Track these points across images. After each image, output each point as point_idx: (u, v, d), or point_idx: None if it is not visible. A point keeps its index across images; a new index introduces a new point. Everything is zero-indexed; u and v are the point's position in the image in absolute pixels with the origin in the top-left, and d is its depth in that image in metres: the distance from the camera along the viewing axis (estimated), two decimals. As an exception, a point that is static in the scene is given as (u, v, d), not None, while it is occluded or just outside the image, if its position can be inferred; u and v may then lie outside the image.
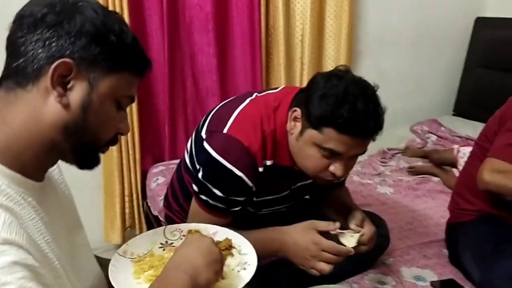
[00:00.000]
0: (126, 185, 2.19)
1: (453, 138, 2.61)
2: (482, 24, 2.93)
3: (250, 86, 2.41)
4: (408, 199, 1.90)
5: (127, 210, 2.22)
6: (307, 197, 1.43)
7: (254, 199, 1.21)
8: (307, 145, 1.05)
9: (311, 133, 1.03)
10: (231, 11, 2.30)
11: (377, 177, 2.10)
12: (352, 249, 1.04)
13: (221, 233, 0.97)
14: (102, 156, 0.78)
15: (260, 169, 1.13)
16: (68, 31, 0.67)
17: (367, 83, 1.05)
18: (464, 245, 1.32)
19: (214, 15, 2.23)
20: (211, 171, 1.14)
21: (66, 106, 0.69)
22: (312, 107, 1.02)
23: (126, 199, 2.21)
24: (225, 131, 1.13)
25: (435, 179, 2.05)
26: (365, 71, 2.79)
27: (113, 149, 2.09)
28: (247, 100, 1.19)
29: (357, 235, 1.08)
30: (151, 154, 2.33)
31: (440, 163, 2.13)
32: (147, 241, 0.96)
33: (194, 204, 1.20)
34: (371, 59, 2.78)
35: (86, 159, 0.77)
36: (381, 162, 2.27)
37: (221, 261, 0.79)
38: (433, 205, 1.84)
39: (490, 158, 1.23)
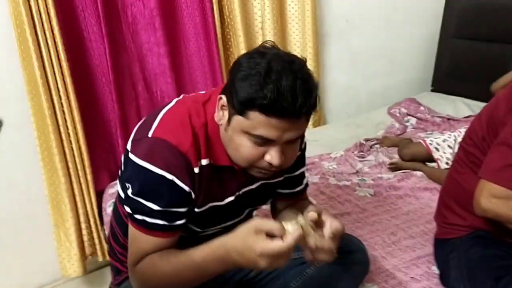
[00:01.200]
0: (80, 210, 1.96)
1: (433, 120, 2.43)
2: (455, -8, 2.72)
3: (210, 84, 2.19)
4: (390, 202, 1.73)
5: (85, 238, 2.00)
6: (256, 213, 1.24)
7: (196, 209, 1.03)
8: (236, 134, 0.93)
9: (237, 119, 0.91)
10: (178, 4, 2.05)
11: (355, 176, 1.92)
12: (297, 232, 0.83)
13: None
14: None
15: (196, 170, 0.98)
16: None
17: (293, 57, 0.92)
18: (456, 270, 1.16)
19: (160, 11, 1.98)
20: (140, 183, 0.98)
21: None
22: (235, 90, 0.90)
23: (83, 225, 1.98)
24: (149, 135, 0.99)
25: (418, 173, 1.88)
26: (335, 52, 2.58)
27: (59, 172, 1.86)
28: (173, 102, 1.07)
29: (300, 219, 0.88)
30: (106, 171, 2.10)
31: (410, 159, 1.95)
32: None
33: (131, 229, 1.02)
34: (340, 39, 2.57)
35: None
36: (359, 156, 2.08)
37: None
38: (418, 207, 1.67)
39: (488, 183, 1.07)
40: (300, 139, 1.04)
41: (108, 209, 1.85)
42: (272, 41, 0.97)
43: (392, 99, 2.74)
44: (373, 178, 1.89)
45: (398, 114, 2.50)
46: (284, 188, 1.20)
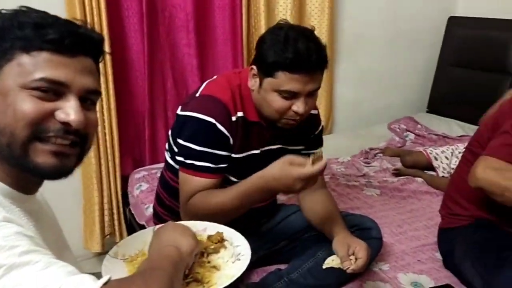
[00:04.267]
0: (105, 191, 2.11)
1: (430, 136, 2.66)
2: (454, 23, 2.99)
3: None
4: (395, 201, 1.92)
5: (106, 218, 2.14)
6: None
7: (233, 155, 1.24)
8: (268, 93, 1.17)
9: (268, 81, 1.16)
10: (212, 11, 2.25)
11: (362, 178, 2.12)
12: (323, 161, 1.02)
13: (211, 228, 1.00)
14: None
15: (233, 118, 1.22)
16: None
17: (304, 27, 1.19)
18: (462, 252, 1.34)
19: (195, 15, 2.17)
20: (188, 129, 1.21)
21: None
22: (264, 58, 1.15)
23: (105, 206, 2.12)
24: (197, 95, 1.26)
25: (418, 179, 2.09)
26: (345, 70, 2.80)
27: (92, 153, 2.00)
28: (213, 77, 1.33)
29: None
30: (131, 158, 2.25)
31: (411, 165, 2.17)
32: (137, 242, 0.95)
33: (181, 175, 1.23)
34: (350, 58, 2.79)
35: None
36: (364, 162, 2.29)
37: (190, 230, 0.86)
38: (420, 207, 1.87)
39: (485, 156, 1.23)
40: (318, 120, 1.39)
41: (135, 191, 2.00)
42: (285, 19, 1.27)
43: (392, 116, 2.96)
44: (379, 180, 2.09)
45: (398, 130, 2.72)
46: None
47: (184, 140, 1.21)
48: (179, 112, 1.28)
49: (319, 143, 1.44)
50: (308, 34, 1.14)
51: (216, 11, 2.24)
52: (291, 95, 1.15)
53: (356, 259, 1.19)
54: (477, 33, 2.85)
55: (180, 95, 2.28)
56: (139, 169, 2.15)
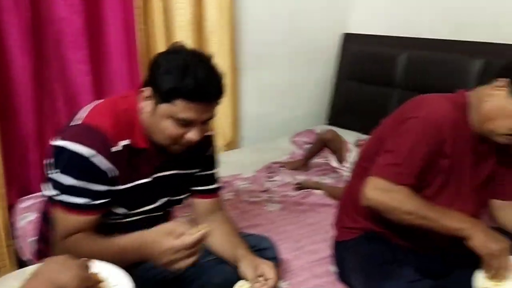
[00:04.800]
0: (-12, 223, 1.90)
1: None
2: (348, 40, 3.18)
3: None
4: (295, 215, 1.96)
5: (-6, 251, 1.92)
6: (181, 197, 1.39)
7: (118, 187, 1.17)
8: (162, 119, 1.11)
9: (163, 107, 1.10)
10: (104, 26, 2.15)
11: (265, 193, 2.14)
12: (202, 232, 0.99)
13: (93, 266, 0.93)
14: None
15: (114, 149, 1.13)
16: None
17: (202, 53, 1.16)
18: (351, 264, 1.40)
19: (86, 30, 2.06)
20: (60, 161, 1.11)
21: None
22: (159, 83, 1.09)
23: (-9, 239, 1.91)
24: (73, 123, 1.14)
25: (317, 192, 2.16)
26: (249, 86, 2.83)
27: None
28: (98, 101, 1.23)
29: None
30: (17, 186, 2.06)
31: (327, 140, 2.36)
32: (14, 281, 0.87)
33: (54, 212, 1.14)
34: (253, 74, 2.84)
35: None
36: (268, 177, 2.32)
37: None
38: (319, 220, 1.92)
39: (373, 178, 1.30)
40: (211, 140, 1.35)
41: (20, 222, 1.82)
42: (180, 42, 1.20)
43: (296, 129, 3.06)
44: (281, 195, 2.13)
45: (299, 143, 2.81)
46: (199, 186, 1.38)
47: (56, 173, 1.12)
48: (52, 141, 1.16)
49: (213, 164, 1.42)
50: (207, 62, 1.12)
51: (109, 26, 2.15)
52: (186, 123, 1.12)
53: (266, 279, 1.19)
54: (368, 49, 3.05)
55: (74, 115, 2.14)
56: (26, 197, 1.97)
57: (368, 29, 3.12)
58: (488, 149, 1.35)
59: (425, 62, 2.70)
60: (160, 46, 2.27)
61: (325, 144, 2.40)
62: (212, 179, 1.41)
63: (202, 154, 1.37)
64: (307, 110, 3.25)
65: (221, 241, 1.33)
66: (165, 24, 2.29)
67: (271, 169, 2.41)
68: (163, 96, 1.09)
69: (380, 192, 1.26)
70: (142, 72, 2.23)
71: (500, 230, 1.33)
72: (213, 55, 1.16)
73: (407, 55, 2.79)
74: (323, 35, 3.17)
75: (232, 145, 2.80)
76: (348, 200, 1.51)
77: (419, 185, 1.29)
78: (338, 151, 2.32)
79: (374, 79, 3.01)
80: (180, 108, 1.08)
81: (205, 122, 1.16)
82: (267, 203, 2.05)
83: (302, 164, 2.46)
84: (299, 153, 2.69)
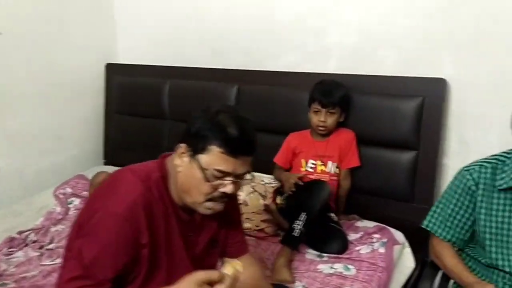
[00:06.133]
0: None
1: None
2: (112, 71, 2.92)
3: None
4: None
5: None
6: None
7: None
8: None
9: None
10: None
11: (-3, 279, 1.72)
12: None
13: None
14: None
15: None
16: None
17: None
18: None
19: None
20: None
21: None
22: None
23: None
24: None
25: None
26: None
27: None
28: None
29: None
30: None
31: None
32: None
33: None
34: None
35: None
36: (7, 254, 1.89)
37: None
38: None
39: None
40: None
41: None
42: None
43: (64, 176, 2.66)
44: (16, 279, 1.74)
45: (62, 196, 2.42)
46: None
47: None
48: None
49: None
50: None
51: None
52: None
53: None
54: (134, 80, 2.84)
55: None
56: None
57: (134, 59, 2.91)
58: (201, 217, 1.23)
59: (186, 90, 2.62)
60: None
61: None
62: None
63: None
64: (78, 152, 2.88)
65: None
66: None
67: (14, 241, 1.98)
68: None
69: None
70: None
71: None
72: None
73: (169, 85, 2.65)
74: (85, 67, 2.85)
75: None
76: None
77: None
78: None
79: (144, 111, 2.82)
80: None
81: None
82: (-6, 294, 1.64)
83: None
84: (57, 211, 2.30)
